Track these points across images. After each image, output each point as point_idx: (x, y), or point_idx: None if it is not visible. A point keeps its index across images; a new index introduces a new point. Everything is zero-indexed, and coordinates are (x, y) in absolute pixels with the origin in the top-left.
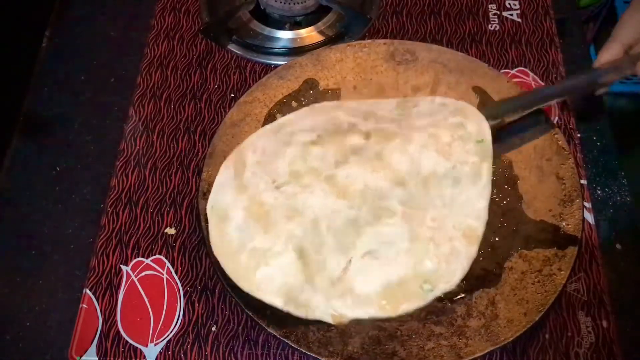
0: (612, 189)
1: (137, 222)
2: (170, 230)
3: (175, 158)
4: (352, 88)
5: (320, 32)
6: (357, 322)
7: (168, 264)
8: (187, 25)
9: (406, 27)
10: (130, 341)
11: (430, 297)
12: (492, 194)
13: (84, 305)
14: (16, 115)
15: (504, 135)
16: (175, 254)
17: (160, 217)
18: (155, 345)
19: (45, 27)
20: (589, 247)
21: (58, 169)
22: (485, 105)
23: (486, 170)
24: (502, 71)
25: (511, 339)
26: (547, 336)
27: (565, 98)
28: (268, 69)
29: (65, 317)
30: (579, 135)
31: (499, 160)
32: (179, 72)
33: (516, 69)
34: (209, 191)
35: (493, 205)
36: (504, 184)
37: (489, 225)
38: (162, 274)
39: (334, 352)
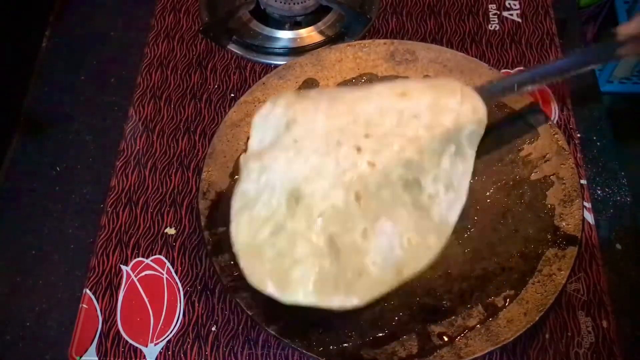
0: (612, 189)
1: (137, 222)
2: (170, 230)
3: (175, 158)
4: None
5: (320, 32)
6: (357, 322)
7: (168, 264)
8: (187, 25)
9: (406, 27)
10: (130, 341)
11: None
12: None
13: (84, 305)
14: (16, 115)
15: (504, 136)
16: (175, 254)
17: (160, 217)
18: (155, 345)
19: (45, 27)
20: (589, 247)
21: (58, 169)
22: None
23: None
24: (502, 71)
25: (511, 338)
26: (547, 336)
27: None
28: (268, 69)
29: (65, 317)
30: (579, 135)
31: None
32: (179, 72)
33: (516, 69)
34: (209, 191)
35: (493, 205)
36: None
37: (490, 225)
38: (162, 274)
39: (334, 351)
